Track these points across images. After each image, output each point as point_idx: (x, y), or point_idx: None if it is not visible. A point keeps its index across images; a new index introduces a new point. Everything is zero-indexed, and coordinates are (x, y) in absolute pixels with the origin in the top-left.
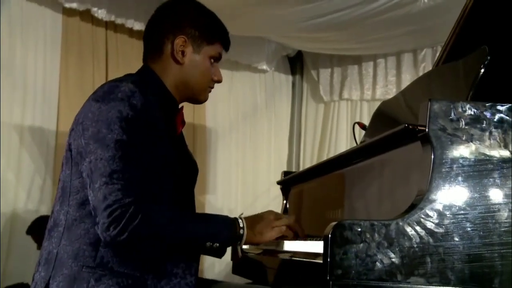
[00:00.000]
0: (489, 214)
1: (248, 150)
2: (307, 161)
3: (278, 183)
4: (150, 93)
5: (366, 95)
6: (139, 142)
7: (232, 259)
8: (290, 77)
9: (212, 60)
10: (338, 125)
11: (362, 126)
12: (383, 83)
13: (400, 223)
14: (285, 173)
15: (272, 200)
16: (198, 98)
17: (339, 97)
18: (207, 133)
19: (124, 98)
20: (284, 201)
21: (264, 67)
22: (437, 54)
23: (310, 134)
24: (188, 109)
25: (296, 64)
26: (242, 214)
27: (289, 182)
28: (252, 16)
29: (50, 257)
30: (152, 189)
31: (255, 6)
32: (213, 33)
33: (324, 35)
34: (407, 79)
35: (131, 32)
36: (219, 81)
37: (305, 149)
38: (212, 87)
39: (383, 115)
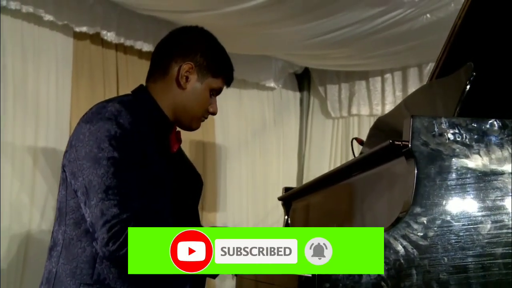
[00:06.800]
0: (472, 226)
1: (257, 167)
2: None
3: (279, 199)
4: (140, 111)
5: (376, 111)
6: (130, 159)
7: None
8: (297, 94)
9: (212, 93)
10: (347, 141)
11: (360, 142)
12: (392, 99)
13: (386, 236)
14: (286, 189)
15: (281, 216)
16: (191, 124)
17: (348, 113)
18: (216, 151)
19: (111, 118)
20: (286, 217)
21: (272, 84)
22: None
23: (318, 150)
24: None
25: (303, 81)
26: None
27: (290, 198)
28: (257, 36)
29: (50, 276)
30: (149, 204)
31: (260, 26)
32: (220, 68)
33: (329, 52)
34: None
35: (140, 54)
36: (214, 113)
37: (314, 165)
38: (206, 117)
39: (380, 129)
